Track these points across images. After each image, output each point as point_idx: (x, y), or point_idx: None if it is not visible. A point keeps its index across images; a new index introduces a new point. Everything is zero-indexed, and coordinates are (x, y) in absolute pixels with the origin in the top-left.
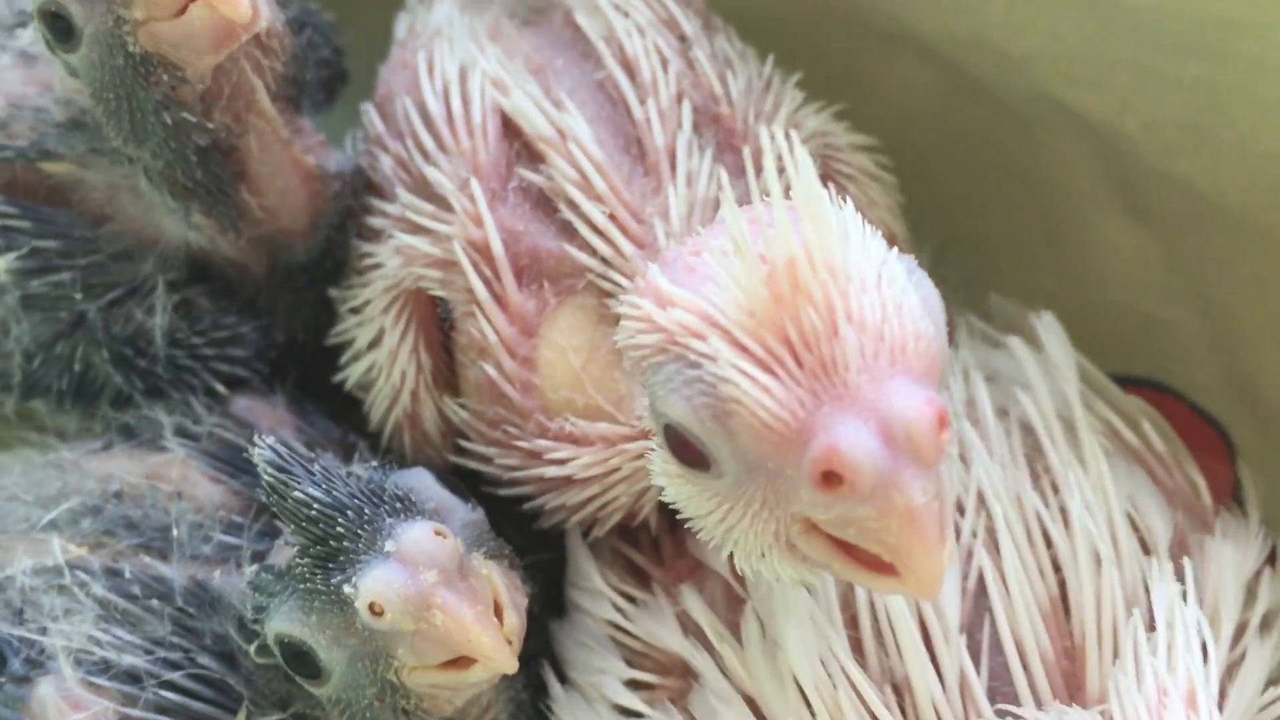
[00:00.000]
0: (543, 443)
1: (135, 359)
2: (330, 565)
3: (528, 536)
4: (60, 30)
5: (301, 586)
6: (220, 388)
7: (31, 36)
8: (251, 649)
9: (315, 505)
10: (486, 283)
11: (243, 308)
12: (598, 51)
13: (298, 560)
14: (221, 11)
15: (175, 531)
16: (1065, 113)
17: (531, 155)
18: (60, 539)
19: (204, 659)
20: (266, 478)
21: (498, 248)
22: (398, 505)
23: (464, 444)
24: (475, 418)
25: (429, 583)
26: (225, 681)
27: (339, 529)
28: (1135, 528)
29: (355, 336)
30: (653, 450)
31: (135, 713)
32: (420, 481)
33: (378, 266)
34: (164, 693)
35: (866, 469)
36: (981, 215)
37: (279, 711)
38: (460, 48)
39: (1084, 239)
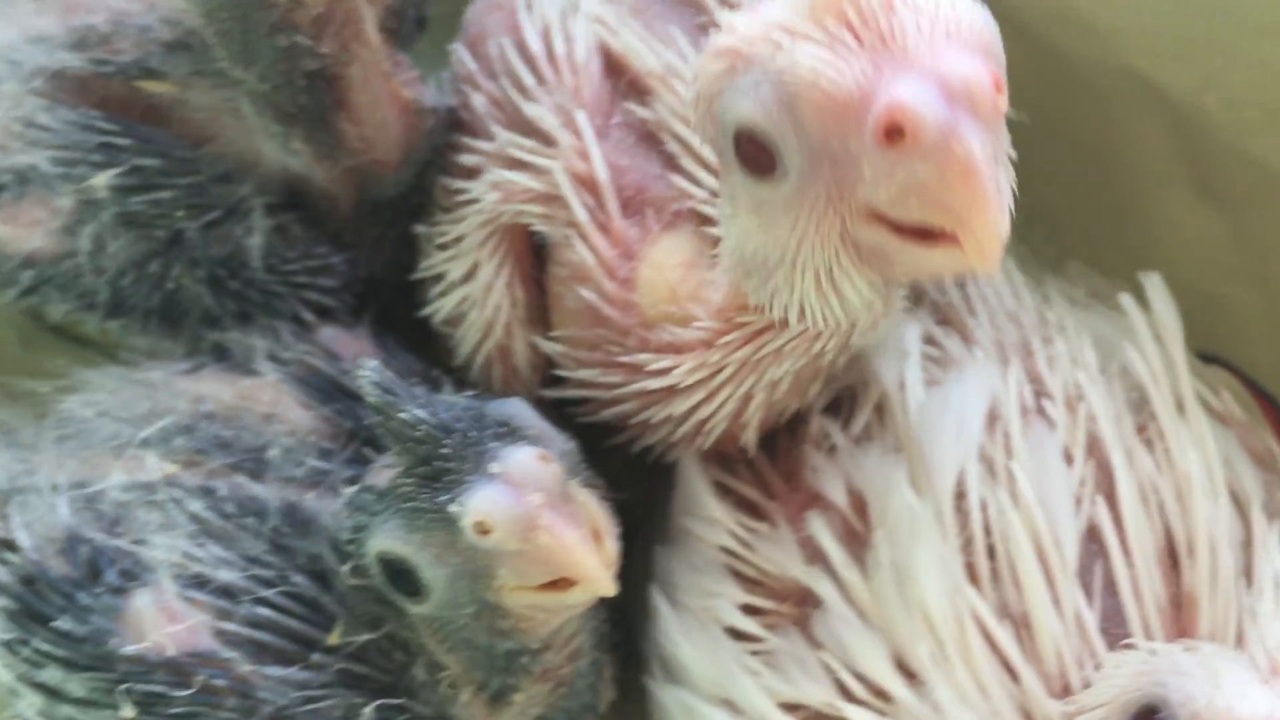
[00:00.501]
0: (644, 355)
1: (229, 280)
2: (436, 485)
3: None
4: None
5: (405, 506)
6: (309, 316)
7: None
8: (345, 570)
9: (422, 426)
10: (590, 211)
11: (330, 239)
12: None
13: (401, 480)
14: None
15: (268, 453)
16: (1145, 88)
17: (634, 92)
18: (154, 456)
19: (297, 578)
20: (373, 399)
21: (603, 177)
22: (501, 429)
23: (560, 373)
24: (571, 346)
25: (534, 504)
26: (319, 600)
27: (445, 450)
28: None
29: (446, 271)
30: (746, 334)
31: (230, 627)
32: (518, 410)
33: (472, 202)
34: (259, 609)
35: (928, 117)
36: (1048, 188)
37: (371, 631)
38: None
39: (1151, 216)
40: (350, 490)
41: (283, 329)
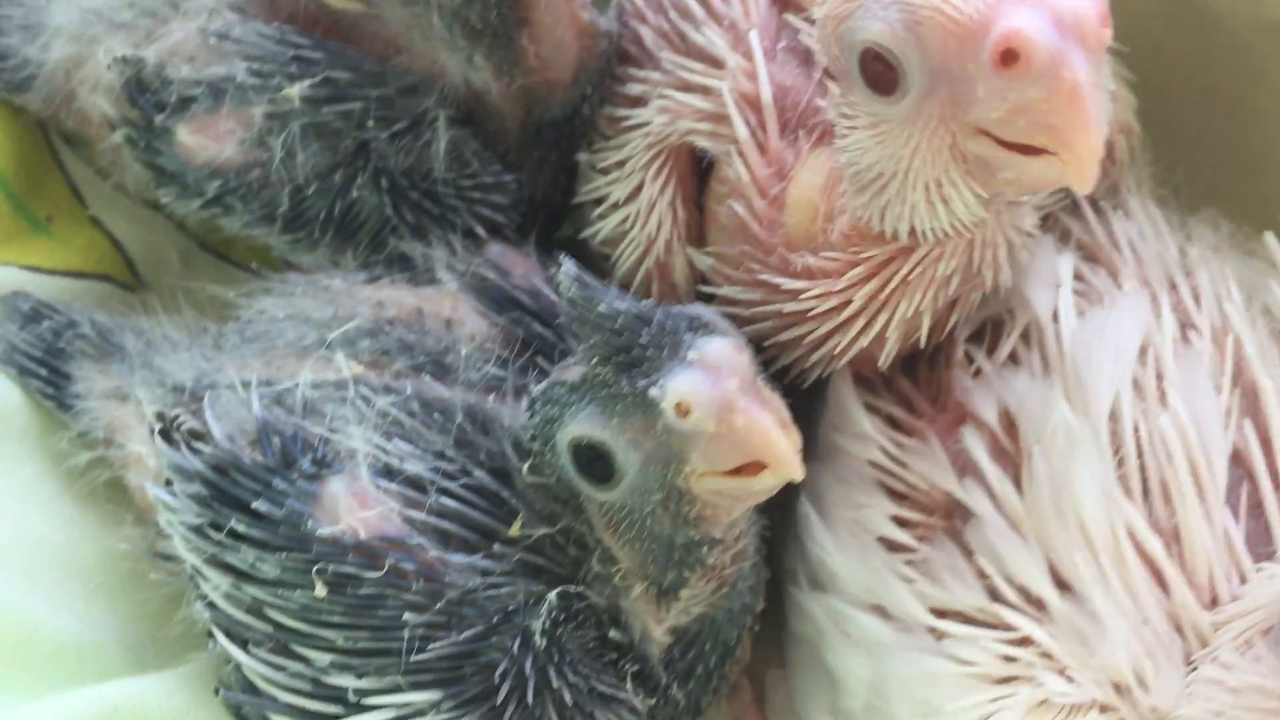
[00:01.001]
0: (782, 278)
1: (409, 191)
2: (633, 372)
3: None
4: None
5: (603, 393)
6: (480, 230)
7: None
8: (525, 467)
9: (621, 316)
10: (751, 130)
11: (500, 159)
12: None
13: (599, 369)
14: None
15: (449, 357)
16: None
17: (796, 13)
18: (341, 356)
19: (479, 473)
20: (573, 292)
21: (767, 98)
22: (694, 322)
23: (707, 289)
24: (721, 261)
25: (731, 388)
26: (499, 495)
27: (643, 338)
28: None
29: (608, 193)
30: (871, 267)
31: (417, 515)
32: (704, 310)
33: (638, 126)
34: (444, 499)
35: (1040, 44)
36: (1183, 140)
37: (548, 526)
38: None
39: None
40: (538, 387)
41: (455, 242)
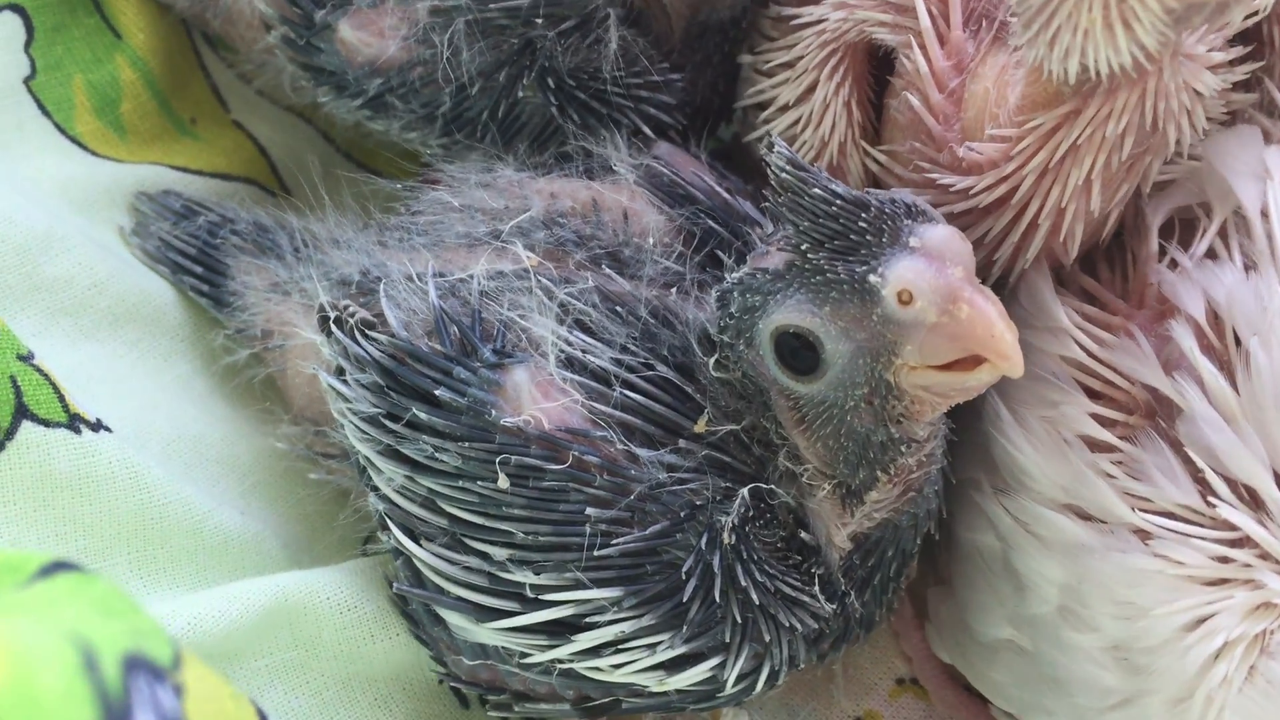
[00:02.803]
0: (954, 176)
1: (576, 91)
2: (850, 258)
3: None
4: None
5: (814, 279)
6: (648, 130)
7: None
8: (710, 362)
9: (838, 200)
10: (933, 20)
11: (669, 61)
12: None
13: (810, 254)
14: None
15: (627, 250)
16: None
17: None
18: (517, 243)
19: (662, 368)
20: (784, 174)
21: None
22: (912, 208)
23: None
24: (893, 159)
25: (957, 276)
26: (683, 390)
27: (862, 223)
28: None
29: (777, 95)
30: (1040, 135)
31: (601, 408)
32: (918, 198)
33: (810, 24)
34: (628, 393)
35: None
36: None
37: (733, 423)
38: None
39: None
40: (733, 274)
41: (621, 142)
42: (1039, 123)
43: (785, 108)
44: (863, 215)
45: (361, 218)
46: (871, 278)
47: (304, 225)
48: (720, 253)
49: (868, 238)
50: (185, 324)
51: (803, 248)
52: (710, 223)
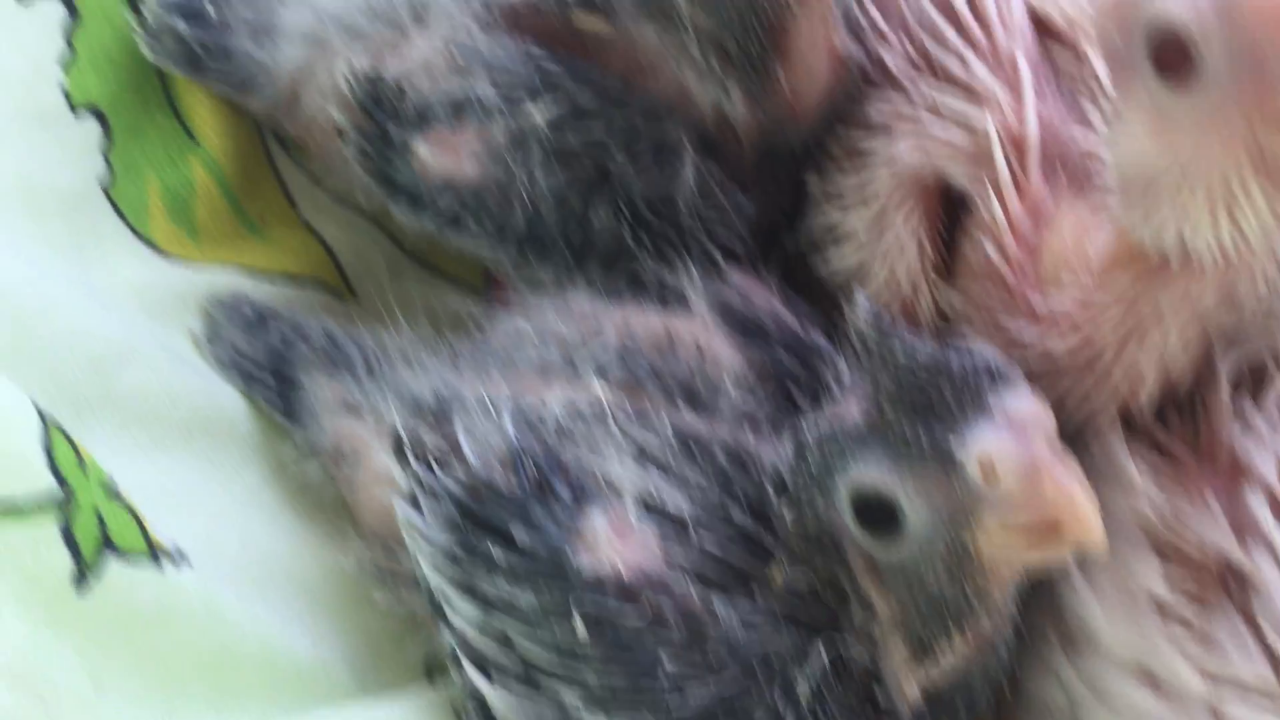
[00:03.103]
0: (1031, 329)
1: (650, 218)
2: (932, 422)
3: None
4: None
5: (896, 441)
6: (718, 256)
7: None
8: (786, 509)
9: (921, 363)
10: (1011, 170)
11: (736, 182)
12: None
13: (891, 416)
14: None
15: (700, 387)
16: None
17: (1058, 43)
18: (594, 380)
19: (738, 514)
20: (869, 332)
21: (1033, 136)
22: (992, 370)
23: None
24: (966, 299)
25: (1040, 450)
26: (759, 537)
27: (944, 387)
28: None
29: (849, 224)
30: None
31: (678, 554)
32: (995, 354)
33: (882, 155)
34: (704, 539)
35: None
36: None
37: (809, 572)
38: None
39: None
40: (810, 426)
41: (692, 269)
42: (1122, 283)
43: (857, 237)
44: (945, 379)
45: (432, 331)
46: (954, 446)
47: (376, 339)
48: (794, 388)
49: (950, 402)
50: (256, 434)
51: (883, 406)
52: (782, 355)
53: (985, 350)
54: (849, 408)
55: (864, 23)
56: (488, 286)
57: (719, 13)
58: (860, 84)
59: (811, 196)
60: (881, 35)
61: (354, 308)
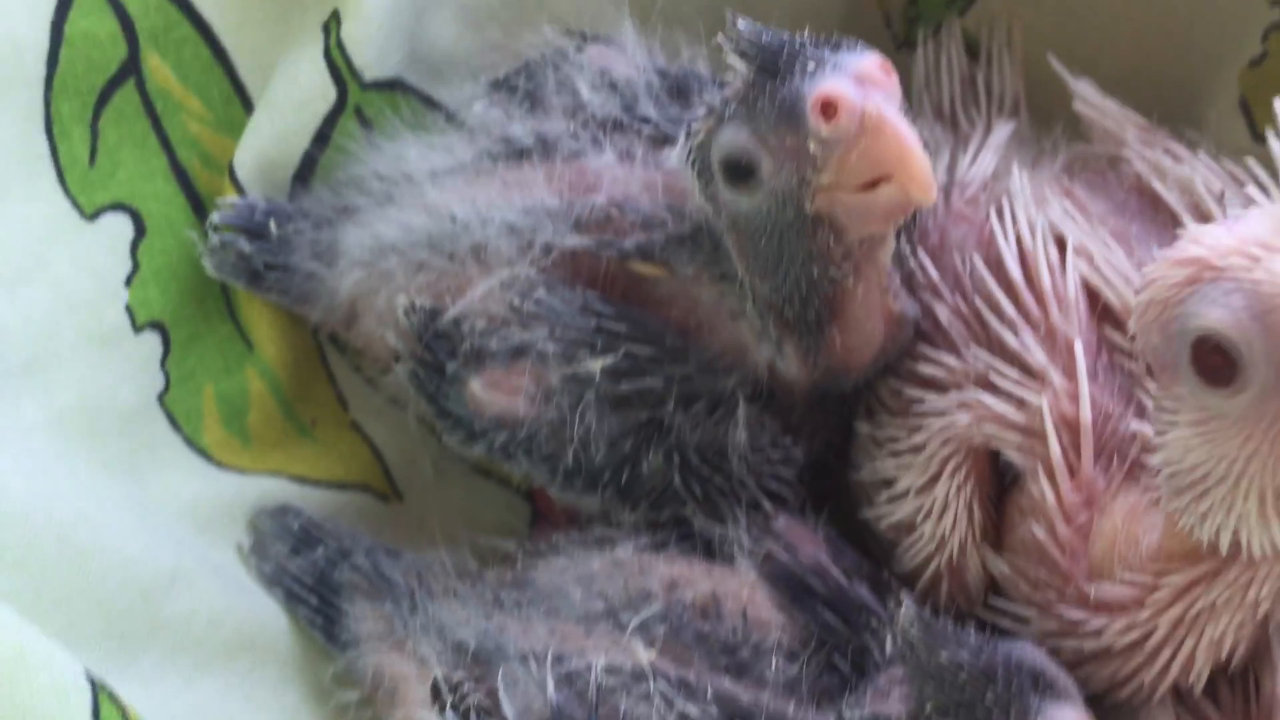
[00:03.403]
0: (1079, 613)
1: (701, 467)
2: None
3: None
4: (739, 175)
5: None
6: (767, 505)
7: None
8: None
9: (966, 669)
10: (1064, 451)
11: (784, 429)
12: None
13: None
14: (911, 194)
15: (744, 652)
16: None
17: (1112, 324)
18: (636, 640)
19: None
20: (914, 635)
21: (1087, 421)
22: (1038, 680)
23: (998, 602)
24: (1017, 575)
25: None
26: None
27: (988, 698)
28: None
29: (898, 478)
30: (1176, 589)
31: None
32: (1037, 657)
33: (936, 414)
34: None
35: None
36: None
37: None
38: (1033, 207)
39: None
40: (853, 707)
41: (740, 515)
42: (1175, 576)
43: (907, 493)
44: (989, 689)
45: (475, 548)
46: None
47: (420, 563)
48: (838, 656)
49: (994, 714)
50: (297, 653)
51: (926, 709)
52: (828, 617)
53: (1032, 654)
54: (891, 701)
55: (919, 277)
56: (533, 494)
57: (778, 282)
58: (913, 336)
59: (860, 439)
60: (936, 290)
61: (399, 510)
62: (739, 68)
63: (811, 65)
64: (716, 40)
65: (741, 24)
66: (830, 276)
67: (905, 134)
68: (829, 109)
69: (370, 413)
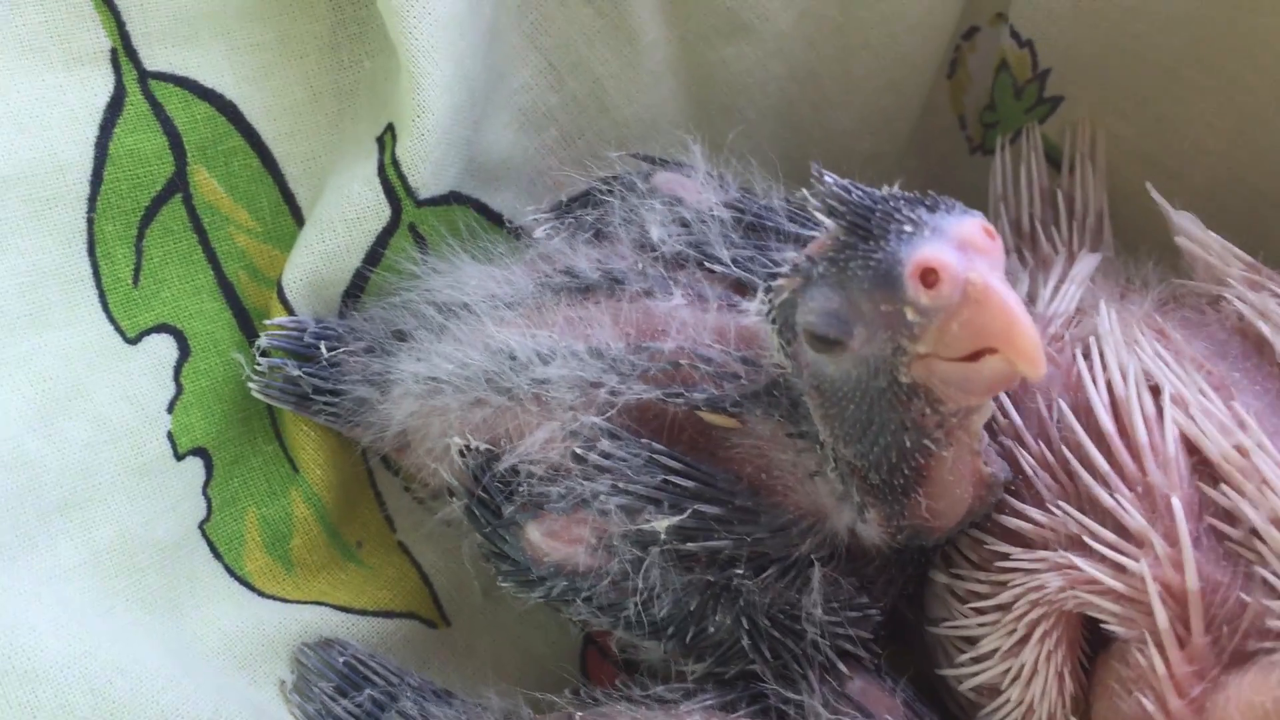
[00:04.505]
0: None
1: (771, 630)
2: None
3: None
4: (829, 341)
5: None
6: (842, 667)
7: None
8: None
9: None
10: (1172, 621)
11: (860, 585)
12: None
13: None
14: (1018, 368)
15: None
16: None
17: (1210, 479)
18: None
19: None
20: None
21: (1194, 588)
22: None
23: None
24: None
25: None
26: None
27: None
28: None
29: (981, 636)
30: None
31: None
32: None
33: (1020, 571)
34: None
35: None
36: None
37: None
38: (1124, 349)
39: None
40: None
41: (813, 678)
42: None
43: (994, 653)
44: None
45: (529, 709)
46: None
47: (470, 713)
48: None
49: None
50: None
51: None
52: None
53: None
54: None
55: (1000, 420)
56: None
57: (864, 449)
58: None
59: (937, 590)
60: (1019, 437)
61: (447, 636)
62: (828, 224)
63: (909, 228)
64: (800, 194)
65: (829, 178)
66: (923, 445)
67: (1012, 305)
68: (929, 277)
69: (419, 535)
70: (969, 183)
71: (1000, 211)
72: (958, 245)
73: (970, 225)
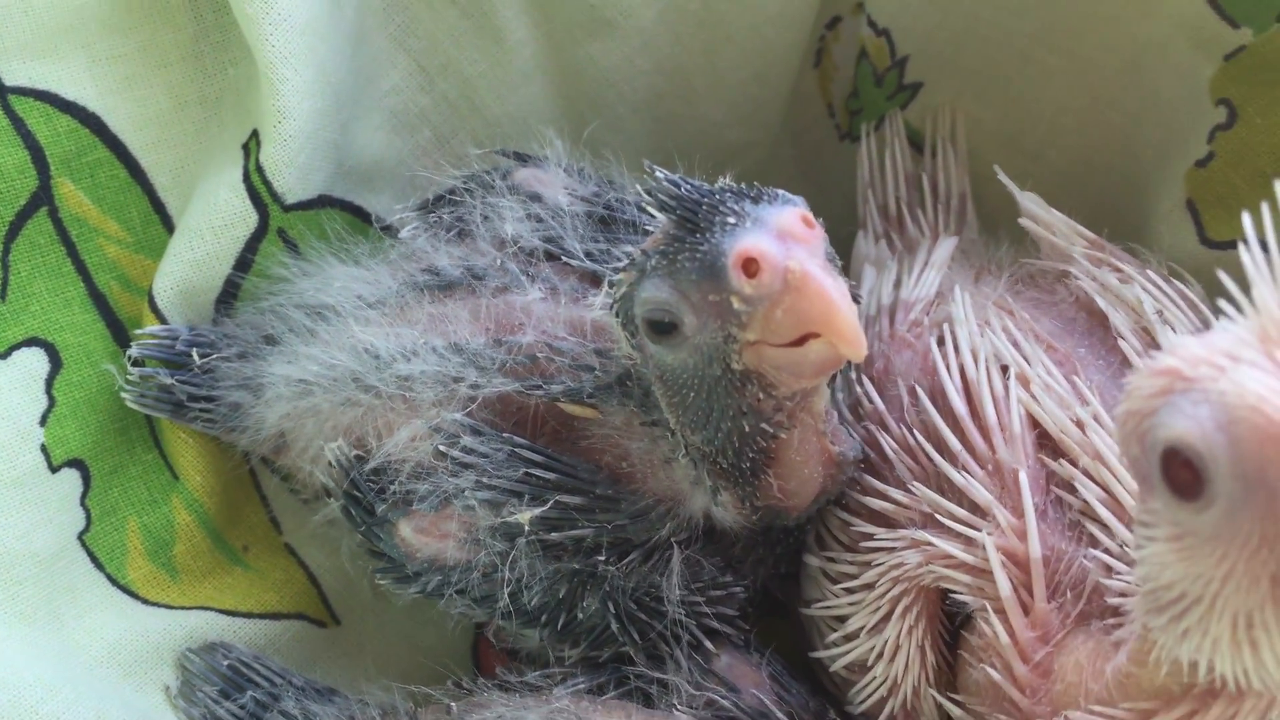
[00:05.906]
0: None
1: (637, 613)
2: None
3: None
4: (662, 330)
5: None
6: (709, 644)
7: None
8: None
9: None
10: (1015, 589)
11: (726, 565)
12: (1126, 347)
13: None
14: (840, 351)
15: None
16: None
17: (1055, 454)
18: None
19: None
20: None
21: (1037, 556)
22: None
23: None
24: (974, 718)
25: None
26: None
27: None
28: None
29: (849, 615)
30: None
31: None
32: None
33: (883, 550)
34: None
35: None
36: None
37: None
38: (976, 333)
39: None
40: None
41: (681, 657)
42: (1144, 707)
43: (860, 631)
44: None
45: (410, 703)
46: None
47: (352, 709)
48: None
49: None
50: None
51: None
52: None
53: None
54: None
55: (865, 405)
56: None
57: (710, 434)
58: (858, 469)
59: (810, 572)
60: (881, 422)
61: (337, 635)
62: (659, 219)
63: (732, 219)
64: (635, 190)
65: (660, 173)
66: (763, 429)
67: (830, 290)
68: (751, 266)
69: (305, 536)
70: (840, 169)
71: (868, 197)
72: (777, 235)
73: (789, 215)
